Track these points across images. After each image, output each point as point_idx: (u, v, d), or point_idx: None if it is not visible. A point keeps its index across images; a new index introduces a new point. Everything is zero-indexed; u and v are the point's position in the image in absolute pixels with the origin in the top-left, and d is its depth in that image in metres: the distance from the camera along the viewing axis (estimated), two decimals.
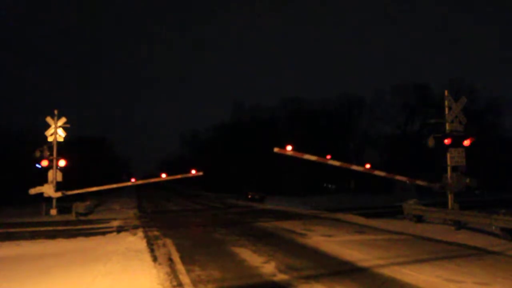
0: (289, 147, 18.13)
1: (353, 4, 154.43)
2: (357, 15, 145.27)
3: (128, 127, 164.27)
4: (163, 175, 22.84)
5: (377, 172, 18.90)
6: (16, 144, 42.35)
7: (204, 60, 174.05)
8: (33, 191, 21.19)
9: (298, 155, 19.46)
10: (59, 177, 22.46)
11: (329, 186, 54.94)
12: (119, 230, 15.97)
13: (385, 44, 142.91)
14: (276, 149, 18.13)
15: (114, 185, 25.82)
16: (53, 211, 22.39)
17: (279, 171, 49.88)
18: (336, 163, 18.98)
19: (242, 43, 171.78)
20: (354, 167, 20.24)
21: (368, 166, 19.27)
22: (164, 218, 22.39)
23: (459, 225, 14.52)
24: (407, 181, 23.55)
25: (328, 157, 19.05)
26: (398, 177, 21.35)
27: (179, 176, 27.49)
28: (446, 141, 16.27)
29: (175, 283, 7.31)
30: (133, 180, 22.55)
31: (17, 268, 9.27)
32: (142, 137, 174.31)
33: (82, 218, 21.71)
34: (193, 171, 22.18)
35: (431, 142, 16.57)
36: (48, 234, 15.08)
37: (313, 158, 18.93)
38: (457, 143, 16.33)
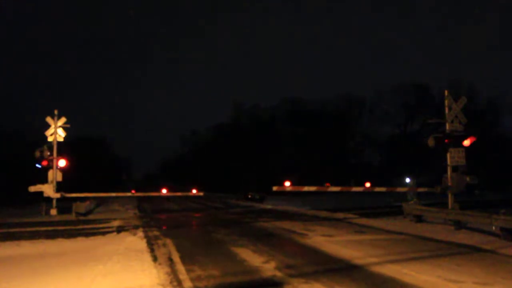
0: (287, 183, 18.13)
1: (353, 4, 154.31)
2: (357, 15, 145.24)
3: (128, 127, 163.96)
4: (164, 191, 23.40)
5: (377, 189, 18.92)
6: (16, 144, 42.36)
7: (204, 60, 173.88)
8: (32, 188, 21.20)
9: (298, 188, 19.59)
10: (59, 177, 22.44)
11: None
12: (119, 230, 15.97)
13: (385, 44, 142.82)
14: (274, 188, 18.15)
15: (114, 194, 26.12)
16: (53, 211, 22.38)
17: (279, 171, 49.89)
18: (336, 188, 19.02)
19: (242, 43, 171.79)
20: (354, 189, 20.34)
21: (368, 185, 19.42)
22: (164, 218, 22.40)
23: (459, 225, 14.51)
24: (409, 191, 23.68)
25: (328, 184, 19.13)
26: (399, 189, 21.57)
27: (179, 194, 28.39)
28: (446, 141, 16.27)
29: (175, 283, 7.30)
30: (133, 191, 22.92)
31: (17, 268, 9.27)
32: (142, 137, 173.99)
33: (82, 218, 21.71)
34: (194, 191, 22.80)
35: (431, 142, 16.58)
36: (48, 234, 15.08)
37: (312, 188, 18.98)
38: (457, 143, 16.33)
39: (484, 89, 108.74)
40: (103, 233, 15.02)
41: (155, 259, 9.62)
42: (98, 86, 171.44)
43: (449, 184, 16.71)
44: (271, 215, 22.32)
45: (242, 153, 62.71)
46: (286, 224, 17.08)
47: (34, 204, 27.62)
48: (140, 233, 14.69)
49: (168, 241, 12.68)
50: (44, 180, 21.98)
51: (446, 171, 16.90)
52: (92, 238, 13.93)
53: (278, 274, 7.95)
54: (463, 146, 16.44)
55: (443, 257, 9.51)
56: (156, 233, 14.89)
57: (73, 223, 19.47)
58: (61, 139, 22.87)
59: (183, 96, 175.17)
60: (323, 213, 22.54)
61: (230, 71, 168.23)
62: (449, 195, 16.81)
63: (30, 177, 24.12)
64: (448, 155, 16.65)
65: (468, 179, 16.55)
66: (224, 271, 8.23)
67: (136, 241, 12.64)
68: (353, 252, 10.16)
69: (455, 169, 16.72)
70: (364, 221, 18.07)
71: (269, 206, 31.08)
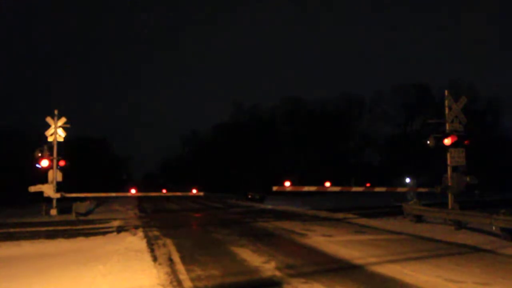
0: (287, 183, 18.15)
1: (353, 4, 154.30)
2: (356, 15, 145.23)
3: (128, 127, 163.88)
4: (164, 190, 23.70)
5: (377, 189, 18.97)
6: (16, 144, 42.36)
7: (204, 60, 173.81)
8: (33, 188, 21.20)
9: (298, 188, 19.64)
10: (59, 177, 22.43)
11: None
12: (119, 230, 15.98)
13: (385, 44, 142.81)
14: (275, 188, 18.17)
15: (114, 194, 26.19)
16: (53, 211, 22.37)
17: (279, 171, 49.90)
18: (336, 188, 19.06)
19: (242, 42, 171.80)
20: (354, 189, 20.43)
21: (368, 184, 19.54)
22: (164, 218, 22.40)
23: (459, 225, 14.52)
24: (409, 191, 23.70)
25: (328, 184, 19.15)
26: (400, 189, 21.61)
27: (179, 194, 28.72)
28: (446, 141, 16.28)
29: (175, 283, 7.30)
30: (133, 191, 22.95)
31: (17, 268, 9.27)
32: (142, 137, 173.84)
33: (82, 218, 21.72)
34: (194, 191, 22.91)
35: (431, 142, 16.59)
36: (48, 234, 15.08)
37: (312, 188, 19.00)
38: (457, 143, 16.34)
39: (484, 89, 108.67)
40: (103, 233, 15.03)
41: (155, 259, 9.62)
42: (98, 86, 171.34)
43: (449, 184, 16.71)
44: (271, 215, 22.32)
45: (242, 153, 62.69)
46: (286, 224, 17.08)
47: (34, 204, 27.63)
48: (140, 233, 14.70)
49: (168, 241, 12.68)
50: (44, 180, 21.97)
51: (446, 171, 16.91)
52: (92, 238, 13.93)
53: (278, 274, 7.95)
54: (463, 146, 16.45)
55: (443, 257, 9.51)
56: (156, 233, 14.90)
57: (73, 223, 19.47)
58: (61, 139, 22.85)
59: (183, 96, 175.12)
60: (323, 213, 22.54)
61: (230, 71, 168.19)
62: (449, 195, 16.82)
63: (30, 177, 24.12)
64: (448, 155, 16.66)
65: (468, 179, 16.56)
66: (224, 271, 8.23)
67: (136, 241, 12.64)
68: (353, 252, 10.16)
69: (455, 169, 16.73)
70: (364, 221, 18.07)
71: (269, 206, 31.08)
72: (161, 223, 18.87)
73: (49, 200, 22.69)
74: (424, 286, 6.95)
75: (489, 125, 59.28)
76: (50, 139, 22.69)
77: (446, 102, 16.91)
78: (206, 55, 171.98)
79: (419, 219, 16.96)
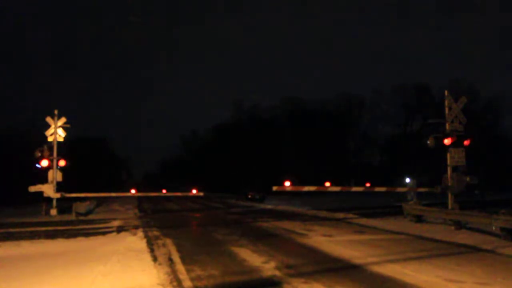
0: (287, 183, 18.17)
1: (352, 4, 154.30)
2: (356, 15, 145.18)
3: (128, 127, 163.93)
4: (164, 191, 23.84)
5: (377, 189, 18.97)
6: (16, 144, 42.35)
7: (204, 60, 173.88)
8: (32, 188, 21.19)
9: (298, 188, 19.68)
10: (59, 177, 22.42)
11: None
12: (119, 230, 15.98)
13: (385, 44, 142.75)
14: (275, 188, 18.16)
15: (114, 194, 26.24)
16: (53, 211, 22.37)
17: (279, 171, 49.87)
18: (336, 188, 19.08)
19: (242, 42, 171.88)
20: (354, 189, 20.48)
21: (368, 184, 19.58)
22: (164, 218, 22.40)
23: (459, 225, 14.52)
24: (409, 191, 23.72)
25: (328, 184, 19.17)
26: (399, 189, 21.63)
27: (179, 194, 28.81)
28: (446, 141, 16.30)
29: (175, 283, 7.30)
30: (133, 191, 23.04)
31: (16, 268, 9.27)
32: (142, 137, 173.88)
33: (82, 218, 21.72)
34: (194, 191, 23.00)
35: (431, 142, 16.60)
36: (48, 234, 15.08)
37: (312, 188, 19.02)
38: (457, 143, 16.35)
39: (484, 89, 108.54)
40: (103, 233, 15.02)
41: (155, 259, 9.62)
42: (98, 86, 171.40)
43: (449, 184, 16.72)
44: (271, 215, 22.33)
45: (242, 153, 62.69)
46: (286, 224, 17.08)
47: (34, 204, 27.62)
48: (140, 233, 14.70)
49: (168, 241, 12.68)
50: (44, 180, 21.96)
51: (446, 171, 16.92)
52: (92, 238, 13.93)
53: (278, 274, 7.95)
54: (463, 146, 16.46)
55: (443, 257, 9.51)
56: (156, 233, 14.90)
57: (73, 223, 19.47)
58: (61, 139, 22.85)
59: (183, 96, 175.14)
60: (323, 213, 22.54)
61: (230, 71, 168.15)
62: (449, 195, 16.82)
63: (30, 177, 24.11)
64: (448, 155, 16.67)
65: (468, 179, 16.57)
66: (224, 271, 8.23)
67: (136, 241, 12.64)
68: (353, 252, 10.16)
69: (455, 169, 16.74)
70: (364, 221, 18.07)
71: (269, 206, 31.08)
72: (161, 223, 18.87)
73: (49, 200, 22.69)
74: (424, 286, 6.95)
75: (489, 125, 59.27)
76: (50, 139, 22.68)
77: (446, 102, 16.91)
78: (206, 54, 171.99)
79: (419, 219, 16.97)
